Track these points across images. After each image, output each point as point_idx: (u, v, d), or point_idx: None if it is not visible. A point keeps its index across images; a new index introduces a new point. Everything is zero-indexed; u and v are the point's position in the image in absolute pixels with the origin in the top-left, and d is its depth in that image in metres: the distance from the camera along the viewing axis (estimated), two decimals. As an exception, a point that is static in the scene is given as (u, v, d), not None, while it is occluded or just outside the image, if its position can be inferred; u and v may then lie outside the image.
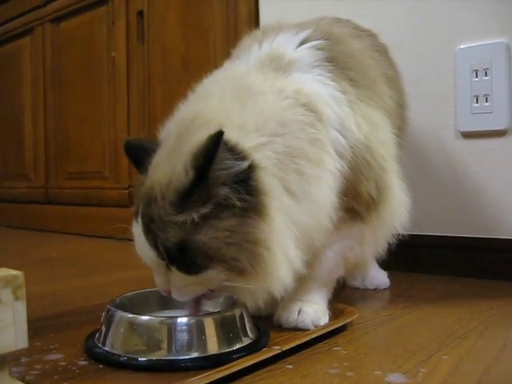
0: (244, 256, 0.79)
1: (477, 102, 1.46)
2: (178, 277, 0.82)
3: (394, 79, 1.23)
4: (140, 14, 2.45)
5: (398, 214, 1.03)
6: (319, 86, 0.95)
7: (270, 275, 0.81)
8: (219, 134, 0.76)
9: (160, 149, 0.88)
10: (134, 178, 2.42)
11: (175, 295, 0.85)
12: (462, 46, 1.49)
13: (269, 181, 0.82)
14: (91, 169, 2.76)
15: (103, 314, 0.89)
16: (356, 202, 0.97)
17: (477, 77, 1.45)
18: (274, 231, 0.81)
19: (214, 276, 0.81)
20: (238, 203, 0.79)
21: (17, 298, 0.49)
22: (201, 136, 0.80)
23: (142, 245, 0.83)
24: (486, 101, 1.44)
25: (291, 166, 0.86)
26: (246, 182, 0.80)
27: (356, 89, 0.99)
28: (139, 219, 0.83)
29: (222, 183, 0.79)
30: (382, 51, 1.27)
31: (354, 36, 1.16)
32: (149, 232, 0.81)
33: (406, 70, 1.40)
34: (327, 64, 0.98)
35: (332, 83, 0.96)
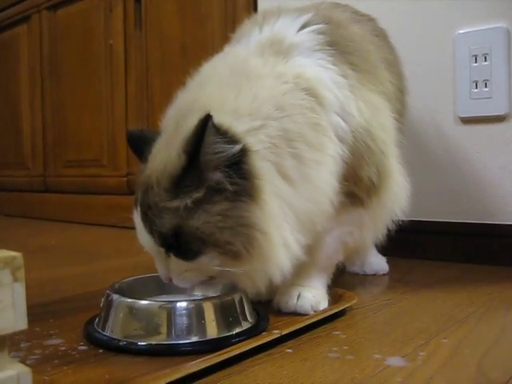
0: (238, 240, 0.79)
1: (476, 88, 1.45)
2: (176, 263, 0.83)
3: (393, 64, 1.22)
4: (138, 0, 2.43)
5: (398, 199, 1.03)
6: (320, 70, 0.94)
7: (265, 258, 0.81)
8: (207, 118, 0.75)
9: (159, 138, 0.89)
10: (133, 165, 2.42)
11: (175, 281, 0.85)
12: (461, 31, 1.48)
13: (262, 164, 0.82)
14: (89, 157, 2.76)
15: (102, 300, 0.89)
16: (356, 186, 0.96)
17: (476, 62, 1.45)
18: (267, 214, 0.81)
19: (209, 261, 0.81)
20: (229, 187, 0.79)
21: (16, 280, 0.49)
22: (194, 122, 0.79)
23: (141, 232, 0.84)
24: (486, 86, 1.44)
25: (288, 151, 0.86)
26: (238, 165, 0.80)
27: (357, 73, 0.99)
28: (138, 207, 0.84)
29: (214, 167, 0.79)
30: (382, 36, 1.26)
31: (354, 21, 1.15)
32: (146, 219, 0.82)
33: (405, 55, 1.39)
34: (328, 48, 0.97)
35: (333, 67, 0.96)
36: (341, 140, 0.92)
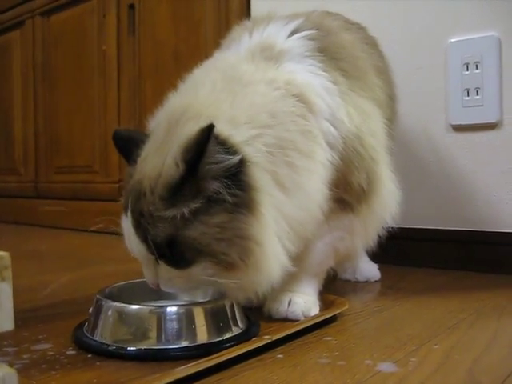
0: (234, 251, 0.79)
1: (468, 95, 1.46)
2: (166, 270, 0.82)
3: (384, 71, 1.22)
4: (131, 6, 2.44)
5: (388, 205, 1.02)
6: (310, 76, 0.94)
7: (259, 269, 0.81)
8: (210, 127, 0.74)
9: (149, 141, 0.87)
10: (124, 172, 2.41)
11: (164, 287, 0.84)
12: (452, 40, 1.49)
13: (260, 176, 0.81)
14: (81, 163, 2.75)
15: (92, 304, 0.88)
16: (347, 193, 0.96)
17: (468, 70, 1.45)
18: (264, 227, 0.80)
19: (202, 271, 0.80)
20: (228, 198, 0.78)
21: (3, 279, 0.48)
22: (190, 129, 0.79)
23: (131, 239, 0.82)
24: (477, 94, 1.44)
25: (282, 159, 0.85)
26: (237, 176, 0.79)
27: (347, 79, 0.99)
28: (129, 213, 0.82)
29: (213, 177, 0.78)
30: (372, 44, 1.27)
31: (345, 29, 1.16)
32: (138, 227, 0.80)
33: (397, 63, 1.39)
34: (318, 54, 0.97)
35: (323, 73, 0.95)
36: (331, 146, 0.92)
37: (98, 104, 2.62)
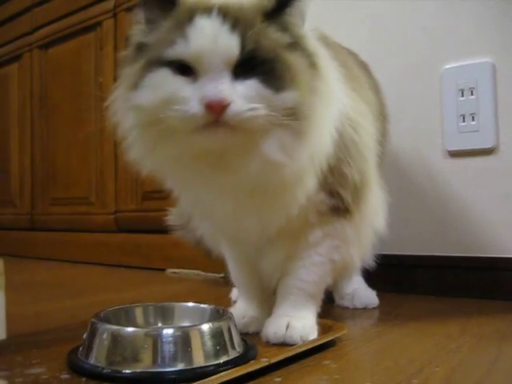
0: (311, 99, 0.82)
1: (463, 121, 1.46)
2: (250, 87, 0.79)
3: (377, 90, 1.24)
4: (128, 39, 2.45)
5: (377, 211, 1.04)
6: None
7: (313, 126, 0.83)
8: None
9: None
10: (121, 203, 2.41)
11: (234, 108, 0.77)
12: (447, 66, 1.50)
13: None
14: (77, 194, 2.74)
15: (87, 328, 0.86)
16: (341, 186, 0.94)
17: (463, 96, 1.46)
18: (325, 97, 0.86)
19: (290, 98, 0.80)
20: (309, 52, 0.85)
21: (-5, 287, 0.47)
22: None
23: (219, 35, 0.78)
24: (473, 119, 1.45)
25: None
26: (313, 45, 0.87)
27: (346, 73, 0.97)
28: (215, 13, 0.79)
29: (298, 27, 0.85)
30: (364, 67, 1.29)
31: (340, 46, 1.18)
32: (235, 28, 0.79)
33: (393, 90, 1.41)
34: (320, 42, 0.96)
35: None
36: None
37: (95, 135, 2.63)
